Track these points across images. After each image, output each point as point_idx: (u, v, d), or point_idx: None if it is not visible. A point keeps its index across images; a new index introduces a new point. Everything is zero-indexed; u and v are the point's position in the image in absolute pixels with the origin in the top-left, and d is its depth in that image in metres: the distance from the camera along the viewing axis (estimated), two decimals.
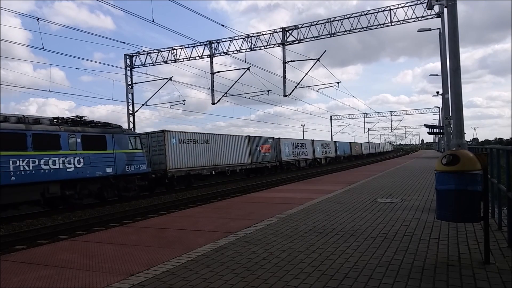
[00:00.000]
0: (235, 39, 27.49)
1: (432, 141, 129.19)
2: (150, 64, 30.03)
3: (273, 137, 34.73)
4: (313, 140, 46.18)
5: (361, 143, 75.06)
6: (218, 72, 29.28)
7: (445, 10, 8.35)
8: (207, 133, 26.01)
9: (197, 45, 28.63)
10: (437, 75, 33.87)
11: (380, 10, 24.09)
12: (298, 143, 41.00)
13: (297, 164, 40.16)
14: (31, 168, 13.72)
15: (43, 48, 36.27)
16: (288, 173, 34.26)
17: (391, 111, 78.19)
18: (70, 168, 15.13)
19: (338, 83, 32.50)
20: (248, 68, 28.01)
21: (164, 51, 29.57)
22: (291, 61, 27.93)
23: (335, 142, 55.43)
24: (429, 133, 63.36)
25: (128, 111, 30.68)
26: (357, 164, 42.00)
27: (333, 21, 25.02)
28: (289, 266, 4.26)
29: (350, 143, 64.79)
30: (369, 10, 24.36)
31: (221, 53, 28.16)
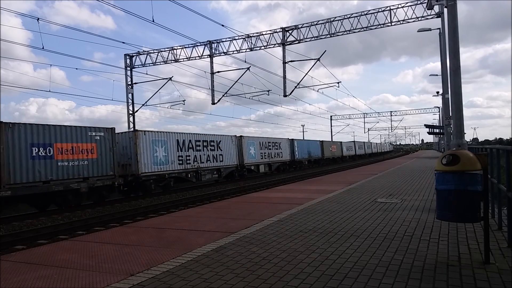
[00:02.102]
0: (235, 39, 27.51)
1: (432, 141, 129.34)
2: (150, 64, 30.06)
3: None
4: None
5: (341, 142, 59.77)
6: (218, 72, 29.29)
7: (445, 10, 8.35)
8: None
9: (197, 45, 28.65)
10: (437, 75, 33.89)
11: (380, 10, 24.10)
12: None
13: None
14: None
15: (43, 48, 36.31)
16: (288, 173, 34.25)
17: (391, 111, 78.22)
18: None
19: (338, 83, 32.52)
20: (248, 68, 28.02)
21: (164, 51, 29.59)
22: (291, 61, 27.94)
23: (293, 140, 39.79)
24: (429, 133, 63.32)
25: (128, 111, 30.70)
26: (357, 164, 41.99)
27: (333, 21, 25.03)
28: (289, 266, 4.26)
29: (322, 142, 48.65)
30: (369, 10, 24.40)
31: (221, 53, 28.17)
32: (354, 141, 69.83)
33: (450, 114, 10.23)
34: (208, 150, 24.93)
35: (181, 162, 22.27)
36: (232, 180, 27.61)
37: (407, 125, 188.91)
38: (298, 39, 26.00)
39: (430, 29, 22.72)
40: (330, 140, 61.15)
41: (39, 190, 14.32)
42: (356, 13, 24.70)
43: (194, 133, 24.36)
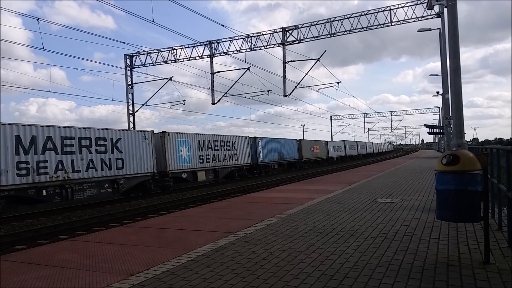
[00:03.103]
0: (235, 39, 27.52)
1: (432, 141, 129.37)
2: (150, 64, 30.08)
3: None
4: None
5: (326, 141, 50.50)
6: (218, 72, 29.31)
7: (445, 10, 8.35)
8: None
9: (197, 45, 28.67)
10: (437, 75, 33.90)
11: (380, 10, 24.12)
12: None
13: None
14: None
15: (43, 48, 36.33)
16: (288, 173, 34.25)
17: (391, 111, 78.16)
18: None
19: (338, 83, 32.54)
20: (248, 68, 28.04)
21: (164, 51, 29.61)
22: (291, 61, 27.96)
23: (256, 138, 31.30)
24: (429, 133, 63.23)
25: (128, 111, 30.71)
26: (358, 164, 42.01)
27: (333, 21, 25.05)
28: (289, 266, 4.26)
29: (300, 141, 40.58)
30: (369, 10, 24.41)
31: (221, 53, 28.20)
32: (344, 141, 61.10)
33: (450, 114, 10.23)
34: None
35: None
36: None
37: (407, 125, 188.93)
38: (298, 39, 26.02)
39: (430, 29, 22.73)
40: (310, 139, 47.88)
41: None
42: (356, 13, 24.74)
43: None
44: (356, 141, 71.06)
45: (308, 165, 42.11)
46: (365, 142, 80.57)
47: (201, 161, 23.98)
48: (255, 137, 31.18)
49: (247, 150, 29.62)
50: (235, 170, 27.70)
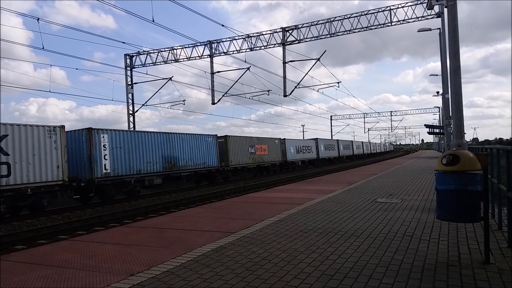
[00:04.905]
0: (235, 39, 27.52)
1: (432, 141, 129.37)
2: (150, 64, 30.08)
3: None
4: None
5: (284, 139, 38.29)
6: (218, 72, 29.31)
7: (445, 10, 8.35)
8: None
9: (197, 45, 28.67)
10: (437, 75, 33.91)
11: (380, 10, 24.12)
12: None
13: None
14: None
15: (43, 48, 36.45)
16: (288, 174, 34.27)
17: (391, 111, 78.03)
18: None
19: (338, 83, 32.54)
20: (248, 68, 28.04)
21: (164, 51, 29.61)
22: (291, 61, 27.96)
23: (97, 131, 17.88)
24: (429, 133, 63.13)
25: (128, 111, 30.71)
26: (358, 164, 42.02)
27: (333, 21, 25.05)
28: (289, 266, 4.26)
29: (226, 137, 27.97)
30: (369, 10, 24.42)
31: (221, 53, 28.20)
32: (316, 139, 47.83)
33: (450, 114, 10.23)
34: None
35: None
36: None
37: (407, 125, 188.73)
38: (298, 39, 26.02)
39: (430, 29, 22.73)
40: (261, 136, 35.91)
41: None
42: (356, 13, 24.75)
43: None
44: (337, 140, 57.82)
45: (238, 176, 29.94)
46: (351, 141, 67.60)
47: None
48: (96, 129, 18.13)
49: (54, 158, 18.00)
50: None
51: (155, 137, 21.23)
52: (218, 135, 27.28)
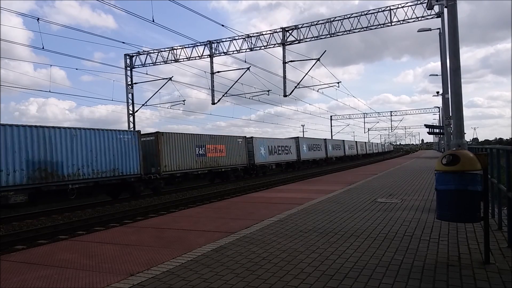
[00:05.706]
0: (235, 39, 27.51)
1: (432, 141, 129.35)
2: (150, 64, 30.06)
3: None
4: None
5: (252, 137, 32.66)
6: (218, 72, 29.29)
7: (445, 10, 8.35)
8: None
9: (197, 45, 28.65)
10: (437, 75, 33.88)
11: (380, 10, 24.11)
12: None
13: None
14: None
15: (43, 48, 36.44)
16: (288, 174, 34.24)
17: (391, 111, 77.91)
18: None
19: (338, 83, 32.51)
20: (248, 68, 28.03)
21: (164, 51, 29.59)
22: (291, 61, 27.94)
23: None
24: (429, 133, 63.18)
25: (128, 111, 30.69)
26: (358, 164, 41.99)
27: (333, 21, 25.04)
28: (289, 266, 4.26)
29: (157, 134, 21.84)
30: (369, 10, 24.40)
31: (221, 53, 28.18)
32: (297, 138, 42.83)
33: (450, 114, 10.22)
34: None
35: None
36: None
37: (407, 125, 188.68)
38: (298, 39, 26.00)
39: (430, 29, 22.74)
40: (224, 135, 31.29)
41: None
42: (356, 13, 24.73)
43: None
44: (325, 139, 52.38)
45: (181, 185, 23.70)
46: (343, 140, 62.45)
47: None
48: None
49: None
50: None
51: (13, 133, 14.44)
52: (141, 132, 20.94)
